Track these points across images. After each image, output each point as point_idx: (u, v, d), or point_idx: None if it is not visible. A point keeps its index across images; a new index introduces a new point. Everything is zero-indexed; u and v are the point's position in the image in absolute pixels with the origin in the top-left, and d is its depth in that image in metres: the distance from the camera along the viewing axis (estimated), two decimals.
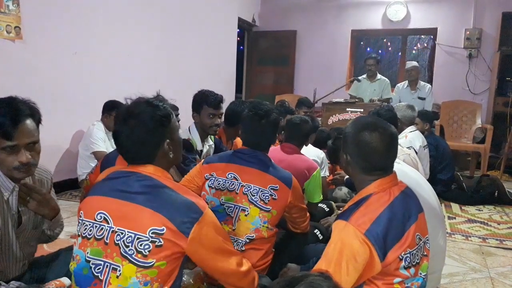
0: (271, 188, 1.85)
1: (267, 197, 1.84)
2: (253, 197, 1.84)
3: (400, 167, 2.07)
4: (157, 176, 1.33)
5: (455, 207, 4.01)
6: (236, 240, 1.83)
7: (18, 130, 1.42)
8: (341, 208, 2.83)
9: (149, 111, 1.32)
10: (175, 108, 3.78)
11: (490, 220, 3.63)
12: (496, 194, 4.15)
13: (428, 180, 3.87)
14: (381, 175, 1.44)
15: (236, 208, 1.85)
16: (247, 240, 1.83)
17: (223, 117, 2.78)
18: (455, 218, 3.67)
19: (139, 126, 1.30)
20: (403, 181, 1.55)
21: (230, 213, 1.85)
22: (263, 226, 1.84)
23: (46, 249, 2.40)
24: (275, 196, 1.85)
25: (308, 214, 2.13)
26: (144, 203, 1.25)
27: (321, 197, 2.65)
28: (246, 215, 1.83)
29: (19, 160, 1.45)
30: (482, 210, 3.93)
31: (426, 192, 2.02)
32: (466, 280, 2.41)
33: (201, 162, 2.01)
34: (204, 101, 2.61)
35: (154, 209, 1.24)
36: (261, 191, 1.84)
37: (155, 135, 1.32)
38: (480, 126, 5.64)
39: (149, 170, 1.33)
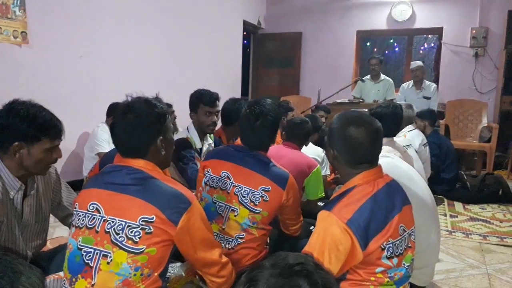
0: (262, 190, 1.82)
1: (257, 199, 1.82)
2: (243, 198, 1.82)
3: (392, 161, 2.09)
4: (147, 169, 1.39)
5: (458, 206, 3.99)
6: (227, 239, 1.83)
7: (62, 132, 1.59)
8: None
9: (147, 107, 1.41)
10: (169, 106, 3.87)
11: (492, 218, 3.61)
12: (500, 192, 4.12)
13: (432, 179, 3.90)
14: (366, 168, 1.47)
15: (227, 208, 1.84)
16: (238, 240, 1.82)
17: (220, 115, 2.81)
18: (457, 216, 3.66)
19: (136, 120, 1.38)
20: (395, 175, 1.58)
21: (221, 212, 1.85)
22: (252, 226, 1.82)
23: (48, 246, 2.47)
24: (266, 197, 1.82)
25: (301, 218, 2.09)
26: (134, 193, 1.32)
27: (322, 194, 2.66)
28: (235, 216, 1.82)
29: (57, 156, 1.60)
30: (485, 209, 3.90)
31: (418, 187, 2.03)
32: (462, 276, 2.41)
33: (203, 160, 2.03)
34: (200, 100, 2.66)
35: (145, 199, 1.31)
36: (252, 192, 1.82)
37: (150, 130, 1.40)
38: (486, 125, 5.60)
39: (139, 164, 1.40)
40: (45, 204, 1.75)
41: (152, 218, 1.28)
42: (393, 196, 1.47)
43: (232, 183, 1.85)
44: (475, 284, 2.31)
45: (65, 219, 1.92)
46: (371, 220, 1.35)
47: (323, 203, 2.98)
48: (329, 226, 1.35)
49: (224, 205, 1.85)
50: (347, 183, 1.48)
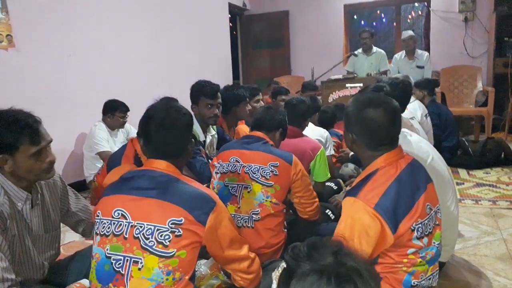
0: (271, 165, 1.94)
1: (268, 174, 1.93)
2: (254, 175, 1.94)
3: (414, 139, 2.03)
4: (169, 171, 1.38)
5: (462, 172, 4.01)
6: (243, 217, 1.92)
7: (40, 133, 1.45)
8: (349, 186, 2.83)
9: (186, 116, 1.46)
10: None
11: (498, 182, 3.63)
12: (502, 155, 4.15)
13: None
14: (387, 150, 1.44)
15: (239, 186, 1.95)
16: (253, 216, 1.91)
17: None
18: (463, 183, 3.68)
19: (179, 126, 1.41)
20: (420, 154, 1.54)
21: (234, 193, 1.95)
22: (266, 200, 1.92)
23: (63, 252, 2.43)
24: (276, 172, 1.93)
25: (316, 200, 2.14)
26: (160, 197, 1.30)
27: (328, 175, 2.66)
28: (248, 192, 1.93)
29: (49, 160, 1.49)
30: (490, 173, 3.93)
31: (437, 163, 2.00)
32: (479, 244, 2.42)
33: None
34: (201, 92, 2.61)
35: (171, 202, 1.29)
36: (262, 168, 1.94)
37: (187, 136, 1.45)
38: (481, 89, 5.60)
39: (161, 166, 1.38)
40: (54, 213, 1.71)
41: (181, 220, 1.27)
42: (416, 175, 1.45)
43: (241, 164, 1.98)
44: (493, 250, 2.33)
45: (76, 226, 1.89)
46: (398, 202, 1.33)
47: (332, 183, 2.98)
48: (356, 212, 1.33)
49: (236, 185, 1.96)
50: (369, 167, 1.45)
